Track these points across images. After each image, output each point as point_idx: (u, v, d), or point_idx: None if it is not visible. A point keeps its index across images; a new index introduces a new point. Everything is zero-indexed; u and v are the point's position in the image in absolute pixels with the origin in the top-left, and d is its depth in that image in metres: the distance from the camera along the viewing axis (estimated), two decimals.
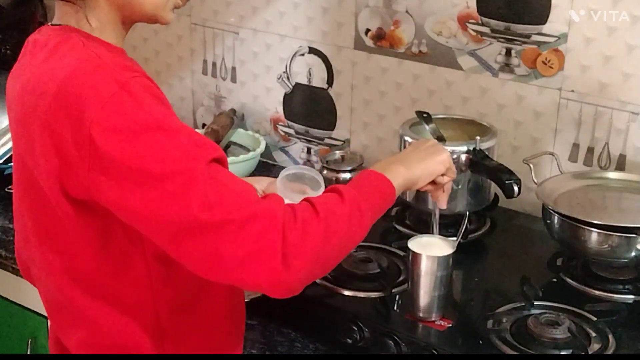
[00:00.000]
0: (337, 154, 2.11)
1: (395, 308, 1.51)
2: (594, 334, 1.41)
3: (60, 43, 1.18)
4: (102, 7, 1.21)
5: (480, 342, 1.40)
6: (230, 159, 2.11)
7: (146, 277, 1.21)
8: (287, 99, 2.24)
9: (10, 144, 2.05)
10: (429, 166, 1.35)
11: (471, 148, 1.68)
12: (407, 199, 1.78)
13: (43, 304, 1.34)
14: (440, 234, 1.49)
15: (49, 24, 1.25)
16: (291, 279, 1.09)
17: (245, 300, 1.49)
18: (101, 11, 1.21)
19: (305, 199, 1.17)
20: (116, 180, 1.09)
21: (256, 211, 1.09)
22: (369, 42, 2.04)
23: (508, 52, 1.85)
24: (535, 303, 1.48)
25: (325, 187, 1.41)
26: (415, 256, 1.43)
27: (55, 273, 1.24)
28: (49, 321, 1.38)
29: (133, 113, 1.09)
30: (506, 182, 1.60)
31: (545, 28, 1.79)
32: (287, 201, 1.35)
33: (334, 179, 2.06)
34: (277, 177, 1.44)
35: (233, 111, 2.32)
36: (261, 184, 1.47)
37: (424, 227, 1.72)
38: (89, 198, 1.13)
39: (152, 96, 1.12)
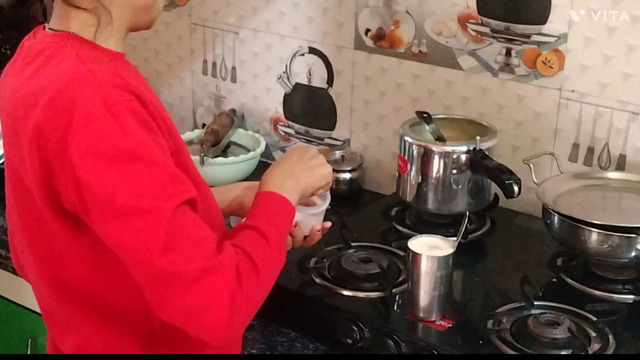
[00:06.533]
0: (337, 154, 2.11)
1: (395, 308, 1.51)
2: (594, 334, 1.41)
3: (53, 53, 1.17)
4: (120, 13, 1.19)
5: (480, 342, 1.40)
6: (230, 159, 2.12)
7: (139, 285, 1.20)
8: (287, 99, 2.24)
9: None
10: (314, 182, 1.35)
11: (471, 148, 1.68)
12: (407, 199, 1.78)
13: (39, 308, 1.34)
14: (440, 234, 1.49)
15: (47, 27, 1.23)
16: (230, 334, 1.12)
17: None
18: (116, 18, 1.19)
19: (239, 246, 1.16)
20: (86, 202, 1.09)
21: (209, 267, 1.10)
22: (369, 42, 2.04)
23: (508, 52, 1.85)
24: (535, 303, 1.48)
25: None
26: (415, 256, 1.43)
27: (47, 280, 1.24)
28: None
29: (114, 139, 1.08)
30: (506, 182, 1.60)
31: (545, 28, 1.79)
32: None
33: (334, 179, 2.06)
34: None
35: (233, 111, 2.32)
36: (238, 190, 1.46)
37: (424, 227, 1.72)
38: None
39: (139, 122, 1.10)
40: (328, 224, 1.44)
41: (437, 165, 1.71)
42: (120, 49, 1.24)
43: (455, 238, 1.46)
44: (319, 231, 1.42)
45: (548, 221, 1.62)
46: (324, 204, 1.42)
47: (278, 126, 2.28)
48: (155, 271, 1.09)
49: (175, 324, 1.12)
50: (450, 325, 1.44)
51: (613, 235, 1.51)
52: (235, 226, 1.24)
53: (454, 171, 1.70)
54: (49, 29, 1.23)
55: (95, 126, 1.08)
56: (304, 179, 1.33)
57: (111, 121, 1.08)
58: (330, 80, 2.14)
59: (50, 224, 1.17)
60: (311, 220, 1.39)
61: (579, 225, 1.54)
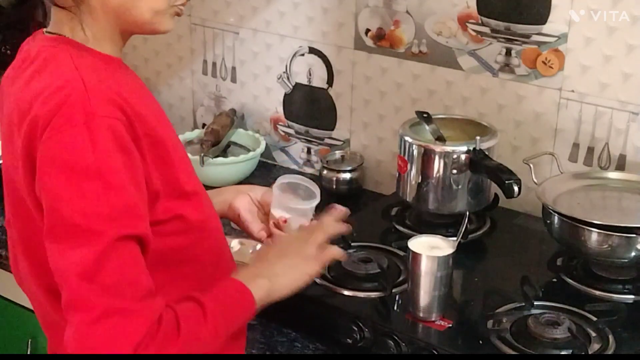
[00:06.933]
0: (337, 154, 2.11)
1: (395, 308, 1.51)
2: (594, 334, 1.41)
3: (49, 58, 1.16)
4: (99, 15, 1.18)
5: (480, 342, 1.40)
6: (230, 159, 2.12)
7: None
8: (287, 99, 2.24)
9: None
10: (294, 281, 1.29)
11: (471, 148, 1.68)
12: (407, 199, 1.78)
13: (37, 317, 1.32)
14: (440, 234, 1.48)
15: (44, 30, 1.23)
16: None
17: None
18: (97, 20, 1.18)
19: (172, 307, 1.12)
20: (44, 208, 1.08)
21: (126, 309, 1.05)
22: (369, 42, 2.04)
23: (508, 52, 1.85)
24: (535, 303, 1.48)
25: (321, 194, 1.42)
26: (415, 256, 1.43)
27: (44, 290, 1.22)
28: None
29: (80, 153, 1.06)
30: (506, 182, 1.60)
31: (545, 28, 1.79)
32: (279, 211, 1.36)
33: (334, 178, 2.07)
34: (275, 179, 1.45)
35: (233, 111, 2.32)
36: (255, 193, 1.46)
37: (424, 227, 1.72)
38: None
39: (115, 142, 1.08)
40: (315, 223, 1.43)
41: (437, 165, 1.70)
42: (116, 53, 1.22)
43: (455, 238, 1.46)
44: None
45: (548, 221, 1.62)
46: (312, 202, 1.43)
47: (278, 126, 2.28)
48: (73, 293, 1.06)
49: (71, 352, 1.06)
50: (450, 325, 1.44)
51: (613, 235, 1.51)
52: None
53: (454, 171, 1.70)
54: (47, 32, 1.22)
55: (66, 135, 1.06)
56: (278, 282, 1.27)
57: (84, 134, 1.06)
58: (330, 80, 2.14)
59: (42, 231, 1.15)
60: (300, 219, 1.40)
61: (579, 225, 1.54)
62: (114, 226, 1.06)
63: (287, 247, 1.31)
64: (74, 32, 1.19)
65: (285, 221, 1.40)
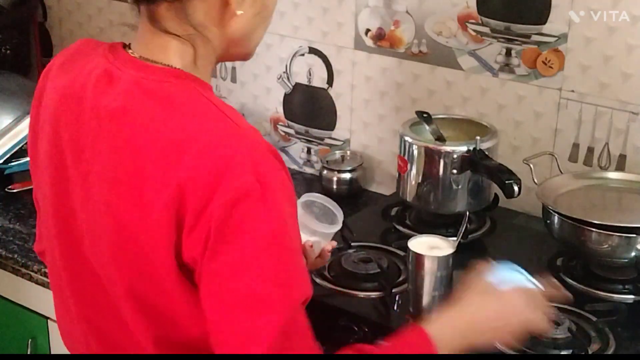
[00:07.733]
0: (337, 154, 2.11)
1: (395, 308, 1.51)
2: (594, 334, 1.41)
3: (181, 99, 1.07)
4: (214, 45, 1.11)
5: None
6: None
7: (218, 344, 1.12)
8: (287, 99, 2.24)
9: (10, 144, 2.05)
10: (487, 341, 1.22)
11: (471, 148, 1.68)
12: (407, 199, 1.78)
13: (92, 347, 1.24)
14: (440, 234, 1.49)
15: (135, 54, 1.12)
16: None
17: None
18: (211, 50, 1.12)
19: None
20: (210, 271, 1.04)
21: None
22: (369, 42, 2.04)
23: (508, 52, 1.85)
24: None
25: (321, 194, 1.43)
26: (416, 256, 1.43)
27: (141, 338, 1.14)
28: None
29: (260, 218, 1.01)
30: (506, 182, 1.60)
31: (545, 28, 1.79)
32: (302, 234, 1.31)
33: (334, 178, 2.07)
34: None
35: None
36: None
37: (424, 227, 1.72)
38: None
39: (285, 197, 1.04)
40: (334, 244, 1.45)
41: (437, 165, 1.71)
42: (210, 81, 1.15)
43: (455, 238, 1.46)
44: (329, 252, 1.43)
45: (548, 221, 1.62)
46: (335, 226, 1.43)
47: (278, 126, 2.28)
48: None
49: None
50: None
51: (613, 235, 1.51)
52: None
53: (454, 171, 1.70)
54: (142, 57, 1.11)
55: (242, 201, 1.01)
56: (478, 340, 1.21)
57: (260, 197, 1.01)
58: (330, 80, 2.14)
59: (166, 284, 1.09)
60: (322, 241, 1.41)
61: (579, 225, 1.54)
62: (292, 295, 1.05)
63: (500, 310, 1.23)
64: (184, 62, 1.10)
65: (311, 246, 1.40)
